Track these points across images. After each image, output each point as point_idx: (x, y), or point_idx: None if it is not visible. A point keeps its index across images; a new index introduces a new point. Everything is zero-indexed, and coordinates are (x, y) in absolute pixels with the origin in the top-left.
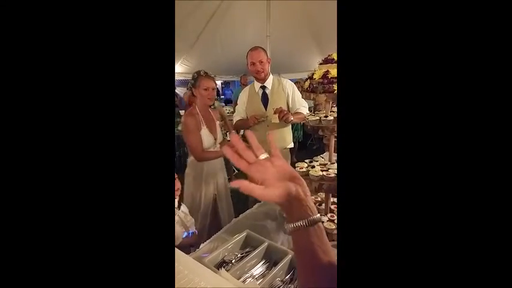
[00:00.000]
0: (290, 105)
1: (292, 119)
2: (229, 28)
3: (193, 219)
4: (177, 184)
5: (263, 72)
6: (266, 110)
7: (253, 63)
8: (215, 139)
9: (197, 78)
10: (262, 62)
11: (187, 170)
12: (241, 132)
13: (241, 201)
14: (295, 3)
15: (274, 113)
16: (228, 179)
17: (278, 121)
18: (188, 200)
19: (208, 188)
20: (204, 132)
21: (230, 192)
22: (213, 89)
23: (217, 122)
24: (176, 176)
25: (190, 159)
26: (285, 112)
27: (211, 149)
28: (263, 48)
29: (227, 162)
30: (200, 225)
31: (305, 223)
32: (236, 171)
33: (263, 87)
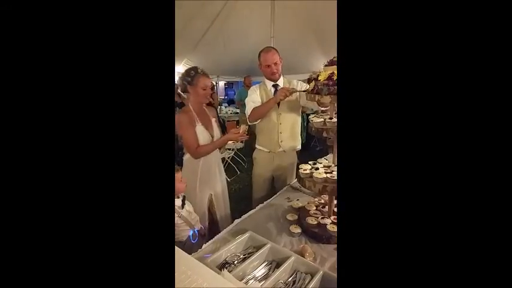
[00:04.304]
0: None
1: (299, 89)
2: (233, 29)
3: (197, 217)
4: (183, 185)
5: (277, 73)
6: (279, 107)
7: (269, 66)
8: (212, 136)
9: (194, 76)
10: (276, 63)
11: (183, 169)
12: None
13: (244, 202)
14: (299, 4)
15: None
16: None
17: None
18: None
19: (204, 186)
20: (199, 129)
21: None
22: (211, 88)
23: (213, 119)
24: (181, 175)
25: (186, 157)
26: (288, 88)
27: None
28: (276, 49)
29: (228, 164)
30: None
31: None
32: (239, 172)
33: (275, 86)
